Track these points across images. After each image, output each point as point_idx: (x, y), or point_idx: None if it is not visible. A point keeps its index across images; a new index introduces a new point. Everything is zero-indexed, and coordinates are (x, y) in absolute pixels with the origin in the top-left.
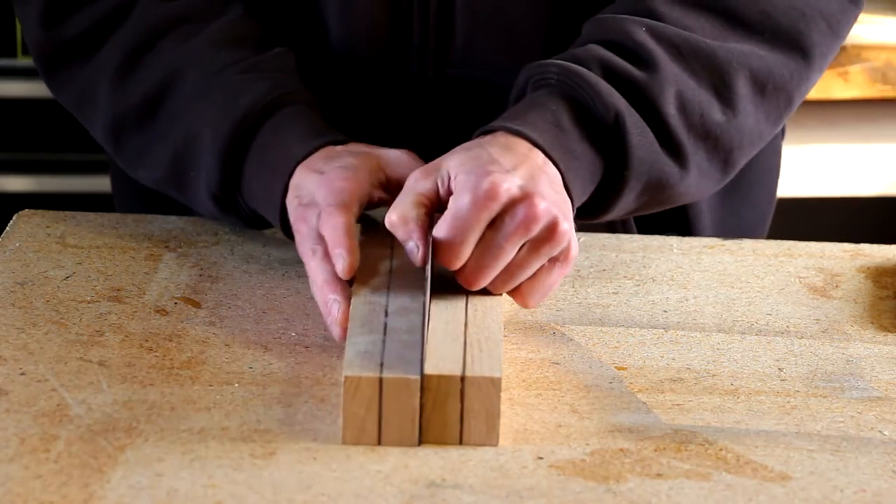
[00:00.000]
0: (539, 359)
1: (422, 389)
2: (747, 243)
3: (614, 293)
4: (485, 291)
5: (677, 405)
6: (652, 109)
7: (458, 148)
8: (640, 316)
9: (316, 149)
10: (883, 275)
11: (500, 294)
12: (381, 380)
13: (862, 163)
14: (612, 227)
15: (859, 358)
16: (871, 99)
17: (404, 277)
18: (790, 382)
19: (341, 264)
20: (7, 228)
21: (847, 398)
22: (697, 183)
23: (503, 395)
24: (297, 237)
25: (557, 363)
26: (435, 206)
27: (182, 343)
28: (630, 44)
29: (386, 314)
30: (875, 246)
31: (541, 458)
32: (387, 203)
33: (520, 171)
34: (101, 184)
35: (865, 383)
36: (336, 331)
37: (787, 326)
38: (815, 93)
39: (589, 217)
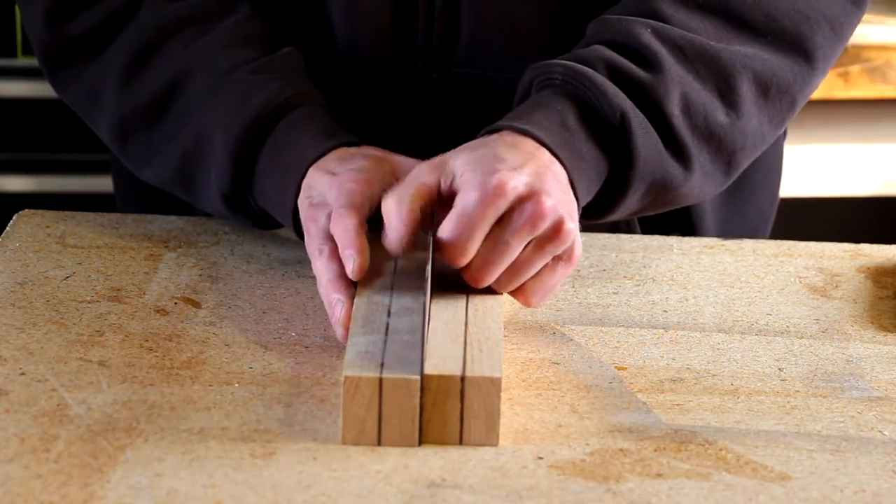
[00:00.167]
0: (539, 359)
1: (422, 389)
2: (747, 243)
3: (614, 293)
4: (486, 291)
5: (677, 405)
6: (657, 111)
7: (464, 146)
8: (640, 316)
9: (329, 150)
10: (883, 275)
11: (504, 292)
12: (380, 380)
13: (862, 163)
14: (616, 228)
15: (859, 358)
16: (871, 99)
17: (408, 278)
18: (790, 382)
19: (352, 265)
20: (7, 228)
21: (847, 398)
22: (701, 184)
23: (503, 395)
24: (307, 237)
25: (557, 363)
26: (435, 201)
27: (182, 343)
28: (635, 45)
29: (388, 314)
30: (875, 246)
31: (541, 458)
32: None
33: (527, 169)
34: (101, 184)
35: (865, 383)
36: (339, 331)
37: (787, 326)
38: (815, 93)
39: (593, 217)
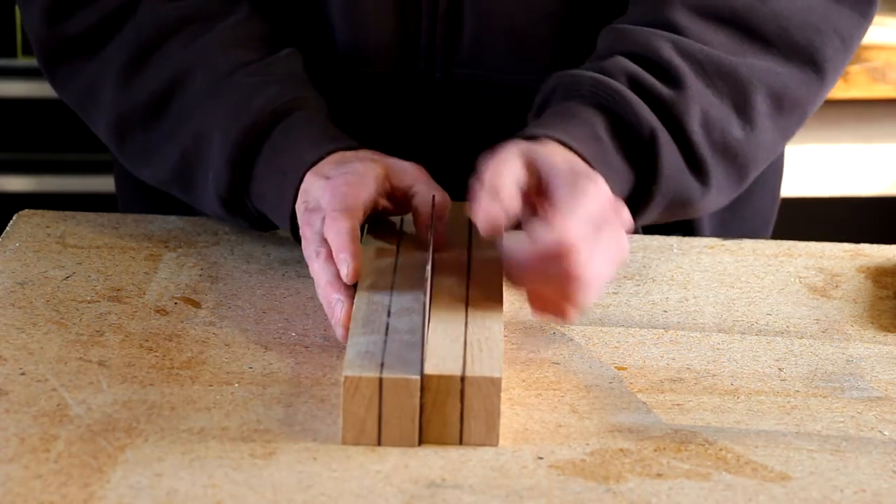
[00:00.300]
0: (539, 359)
1: (422, 389)
2: (747, 243)
3: (614, 293)
4: (486, 291)
5: (677, 405)
6: (678, 127)
7: (530, 146)
8: (640, 316)
9: (326, 154)
10: (883, 275)
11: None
12: (380, 380)
13: (862, 163)
14: None
15: (859, 358)
16: (871, 99)
17: (408, 278)
18: (790, 382)
19: (346, 268)
20: (7, 228)
21: (847, 398)
22: (716, 198)
23: (503, 395)
24: (304, 241)
25: (557, 363)
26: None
27: (182, 343)
28: (657, 59)
29: (388, 314)
30: (875, 246)
31: (541, 458)
32: (390, 212)
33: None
34: (101, 184)
35: (865, 383)
36: (339, 331)
37: (787, 326)
38: None
39: None
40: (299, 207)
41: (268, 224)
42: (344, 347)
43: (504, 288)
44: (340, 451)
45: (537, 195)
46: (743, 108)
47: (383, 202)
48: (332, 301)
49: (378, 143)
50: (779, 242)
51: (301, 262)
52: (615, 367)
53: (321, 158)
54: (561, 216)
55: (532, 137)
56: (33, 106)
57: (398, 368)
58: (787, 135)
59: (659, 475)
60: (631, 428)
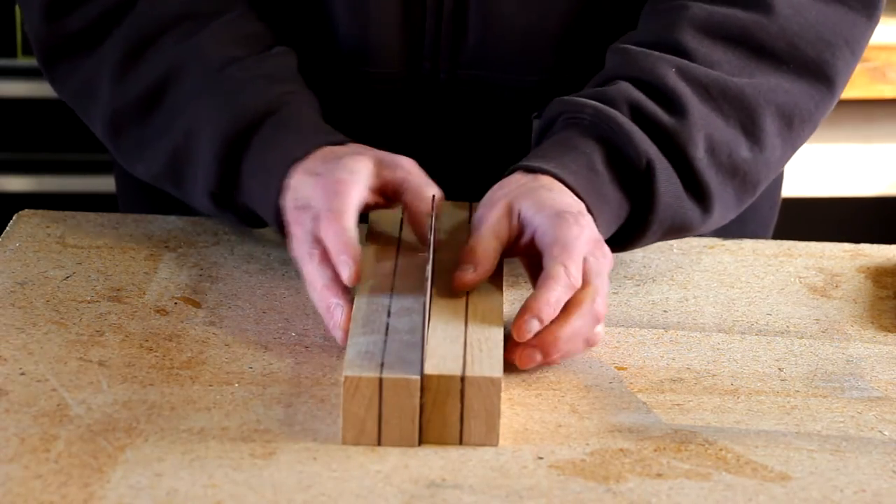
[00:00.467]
0: None
1: (422, 389)
2: (747, 243)
3: (614, 293)
4: (486, 291)
5: (677, 405)
6: (680, 156)
7: (515, 187)
8: (640, 316)
9: (314, 148)
10: (883, 275)
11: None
12: (380, 380)
13: (862, 163)
14: None
15: (859, 358)
16: (871, 99)
17: (408, 277)
18: (790, 382)
19: (347, 272)
20: (7, 228)
21: (847, 398)
22: (718, 220)
23: (503, 395)
24: (294, 241)
25: (557, 363)
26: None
27: (182, 343)
28: (662, 86)
29: (388, 314)
30: (875, 246)
31: (541, 458)
32: (381, 207)
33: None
34: (101, 184)
35: (865, 383)
36: (338, 335)
37: (787, 326)
38: None
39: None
40: (288, 204)
41: (257, 220)
42: (344, 348)
43: (504, 288)
44: (340, 451)
45: (523, 245)
46: (751, 130)
47: (375, 198)
48: (331, 305)
49: (382, 143)
50: (779, 242)
51: None
52: (615, 367)
53: (309, 153)
54: (536, 300)
55: (529, 169)
56: (33, 106)
57: (398, 368)
58: (795, 148)
59: (659, 475)
60: (631, 428)
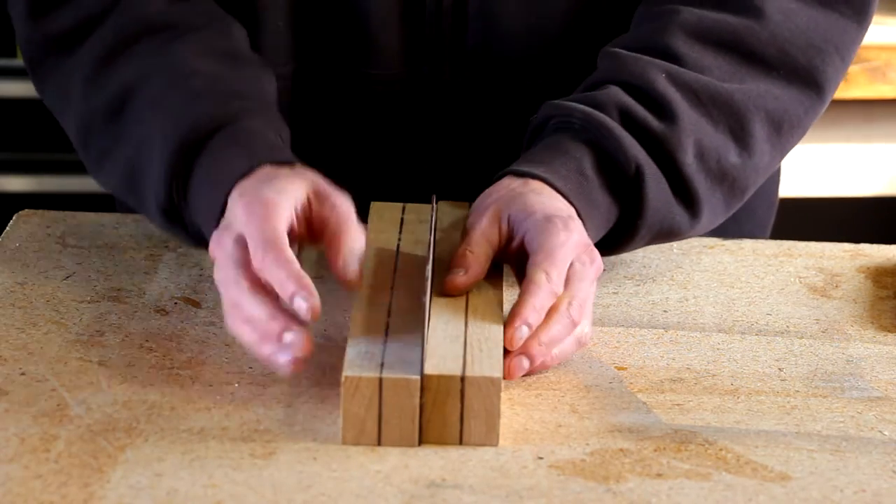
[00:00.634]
0: None
1: (422, 389)
2: (747, 243)
3: (614, 293)
4: (486, 291)
5: (677, 405)
6: (669, 161)
7: (512, 193)
8: (640, 316)
9: (258, 165)
10: (883, 275)
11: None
12: (380, 380)
13: (862, 163)
14: None
15: (859, 358)
16: (871, 99)
17: (408, 277)
18: (790, 382)
19: (305, 307)
20: (7, 228)
21: (847, 398)
22: (706, 224)
23: (503, 395)
24: (215, 264)
25: (547, 369)
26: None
27: (182, 343)
28: (652, 91)
29: (388, 314)
30: (875, 246)
31: (541, 458)
32: (304, 240)
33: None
34: None
35: (865, 383)
36: (293, 367)
37: (787, 326)
38: None
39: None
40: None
41: (204, 240)
42: (344, 347)
43: (504, 288)
44: (340, 451)
45: (513, 250)
46: (740, 135)
47: (298, 229)
48: (281, 335)
49: (382, 144)
50: (779, 242)
51: None
52: (615, 367)
53: (252, 170)
54: (523, 306)
55: (519, 174)
56: (33, 106)
57: (398, 368)
58: (784, 154)
59: (659, 475)
60: (631, 428)
